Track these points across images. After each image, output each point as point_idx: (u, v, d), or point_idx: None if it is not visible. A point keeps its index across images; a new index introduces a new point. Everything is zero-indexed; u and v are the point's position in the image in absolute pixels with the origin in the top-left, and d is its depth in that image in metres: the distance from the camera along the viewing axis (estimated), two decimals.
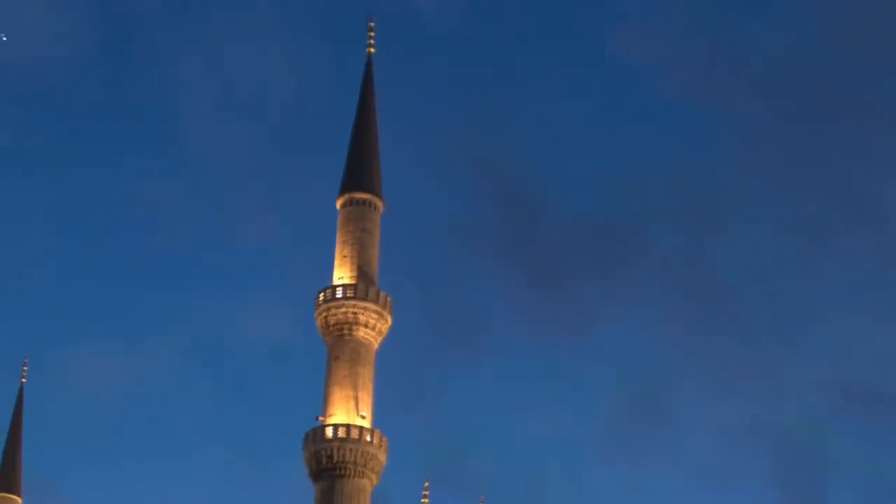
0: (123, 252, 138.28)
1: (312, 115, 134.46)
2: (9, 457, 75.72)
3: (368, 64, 61.32)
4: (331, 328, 55.94)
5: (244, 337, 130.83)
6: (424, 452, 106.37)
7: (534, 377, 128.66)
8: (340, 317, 55.72)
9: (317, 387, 56.11)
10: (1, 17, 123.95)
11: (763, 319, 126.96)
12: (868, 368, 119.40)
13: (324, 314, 55.98)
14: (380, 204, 58.68)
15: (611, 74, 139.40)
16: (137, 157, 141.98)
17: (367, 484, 54.26)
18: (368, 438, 53.96)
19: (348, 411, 54.67)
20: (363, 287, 56.04)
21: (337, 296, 55.78)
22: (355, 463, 53.70)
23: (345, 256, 57.32)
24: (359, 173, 58.99)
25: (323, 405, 55.24)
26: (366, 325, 55.81)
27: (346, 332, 55.73)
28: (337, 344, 55.76)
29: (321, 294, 56.30)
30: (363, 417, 54.72)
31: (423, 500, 70.52)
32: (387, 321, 56.44)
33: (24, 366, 78.44)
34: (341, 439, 53.64)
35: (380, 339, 56.47)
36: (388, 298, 56.53)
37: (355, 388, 55.03)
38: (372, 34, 61.62)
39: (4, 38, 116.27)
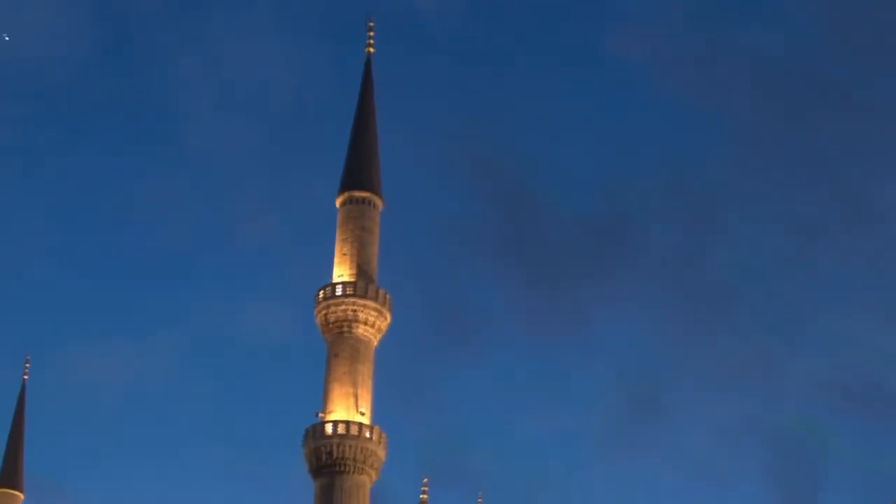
0: (124, 251, 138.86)
1: (312, 114, 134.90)
2: (11, 453, 76.14)
3: (368, 64, 61.63)
4: (330, 325, 56.24)
5: (244, 335, 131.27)
6: (423, 449, 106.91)
7: (532, 375, 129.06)
8: (340, 314, 56.01)
9: (317, 384, 56.52)
10: (2, 17, 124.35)
11: (761, 318, 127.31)
12: (866, 367, 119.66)
13: (324, 311, 56.29)
14: (379, 202, 58.98)
15: (609, 74, 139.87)
16: (137, 156, 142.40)
17: (367, 480, 54.55)
18: (368, 435, 54.26)
19: (348, 408, 54.96)
20: (363, 285, 56.36)
21: (337, 293, 56.08)
22: (355, 459, 53.97)
23: (344, 254, 57.62)
24: (358, 172, 59.26)
25: (323, 402, 55.53)
26: (365, 323, 56.11)
27: (345, 329, 56.03)
28: (337, 341, 56.07)
29: (321, 292, 56.60)
30: (363, 414, 55.00)
31: (421, 497, 70.92)
32: (386, 319, 56.76)
33: (26, 363, 79.15)
34: (341, 436, 53.94)
35: (379, 336, 56.78)
36: (388, 296, 56.83)
37: (355, 385, 55.31)
38: (371, 34, 61.94)
39: (7, 38, 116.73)
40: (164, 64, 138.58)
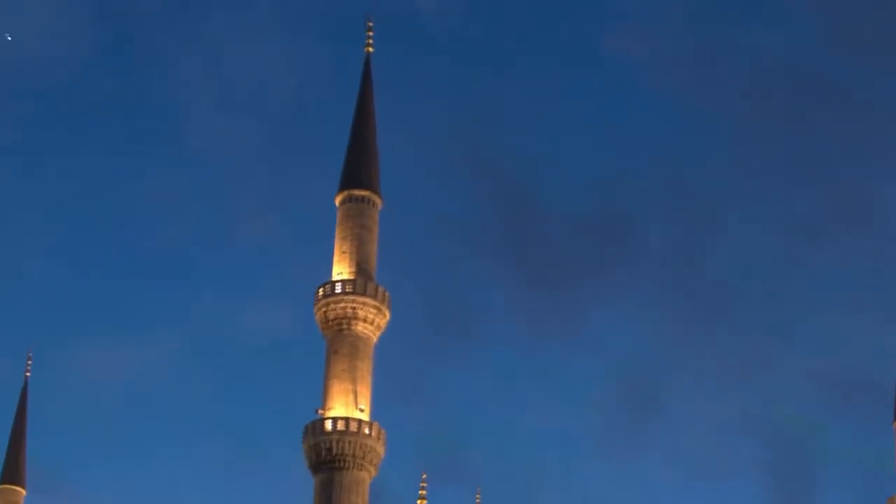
0: (124, 250, 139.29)
1: (312, 114, 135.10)
2: (13, 450, 76.56)
3: (367, 64, 61.74)
4: (330, 323, 56.60)
5: (245, 333, 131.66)
6: (422, 445, 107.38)
7: (531, 373, 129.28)
8: (339, 311, 56.34)
9: (316, 381, 56.79)
10: (2, 17, 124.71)
11: (758, 315, 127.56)
12: (862, 363, 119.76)
13: (323, 309, 56.62)
14: (378, 201, 59.27)
15: (609, 74, 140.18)
16: (137, 156, 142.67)
17: (366, 476, 54.85)
18: (367, 431, 54.54)
19: (347, 405, 55.28)
20: (362, 282, 56.67)
21: (336, 291, 56.35)
22: (354, 455, 54.24)
23: (344, 252, 57.95)
24: (358, 170, 59.52)
25: (322, 399, 55.83)
26: (364, 320, 56.44)
27: (345, 326, 56.36)
28: (336, 338, 56.40)
29: (320, 289, 56.86)
30: (362, 411, 55.30)
31: (420, 493, 71.42)
32: (385, 316, 57.09)
33: (28, 360, 79.55)
34: (340, 432, 54.19)
35: (378, 333, 57.09)
36: (387, 293, 57.13)
37: (354, 381, 55.63)
38: (371, 34, 62.05)
39: (9, 38, 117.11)
40: (164, 64, 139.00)
